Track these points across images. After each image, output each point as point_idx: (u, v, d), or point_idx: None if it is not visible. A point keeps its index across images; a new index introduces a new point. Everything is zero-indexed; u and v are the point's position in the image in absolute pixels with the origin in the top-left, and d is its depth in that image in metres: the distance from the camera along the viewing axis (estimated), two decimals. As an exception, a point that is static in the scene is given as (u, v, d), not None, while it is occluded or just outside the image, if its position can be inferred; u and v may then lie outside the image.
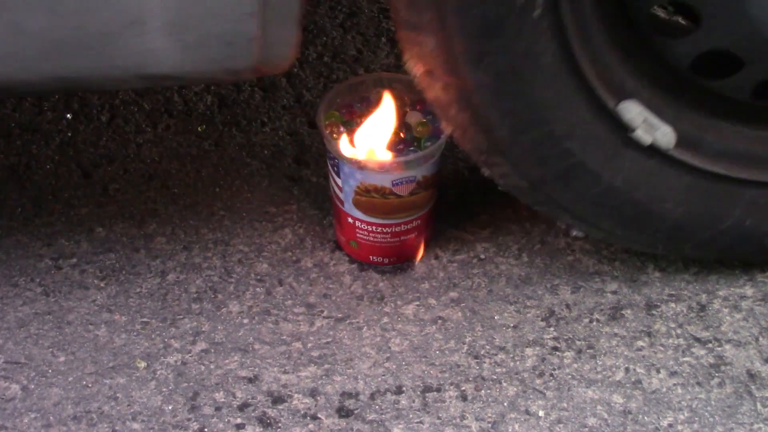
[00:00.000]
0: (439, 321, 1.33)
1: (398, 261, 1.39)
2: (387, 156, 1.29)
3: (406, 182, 1.28)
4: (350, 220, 1.33)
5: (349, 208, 1.32)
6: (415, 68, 1.15)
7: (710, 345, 1.30)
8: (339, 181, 1.30)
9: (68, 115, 1.61)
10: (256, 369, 1.27)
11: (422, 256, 1.40)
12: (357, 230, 1.34)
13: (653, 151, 1.20)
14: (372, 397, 1.24)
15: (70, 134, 1.58)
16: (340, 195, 1.32)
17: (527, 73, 1.10)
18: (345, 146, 1.30)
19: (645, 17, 1.17)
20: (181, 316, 1.33)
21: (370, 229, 1.33)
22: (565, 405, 1.23)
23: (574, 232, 1.39)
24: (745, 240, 1.29)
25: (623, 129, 1.17)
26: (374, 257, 1.37)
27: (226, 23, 1.03)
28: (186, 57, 1.05)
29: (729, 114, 1.24)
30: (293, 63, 1.21)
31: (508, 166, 1.20)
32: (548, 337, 1.31)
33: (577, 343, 1.30)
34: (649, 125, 1.18)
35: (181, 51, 1.04)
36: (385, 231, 1.33)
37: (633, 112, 1.17)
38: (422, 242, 1.39)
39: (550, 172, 1.19)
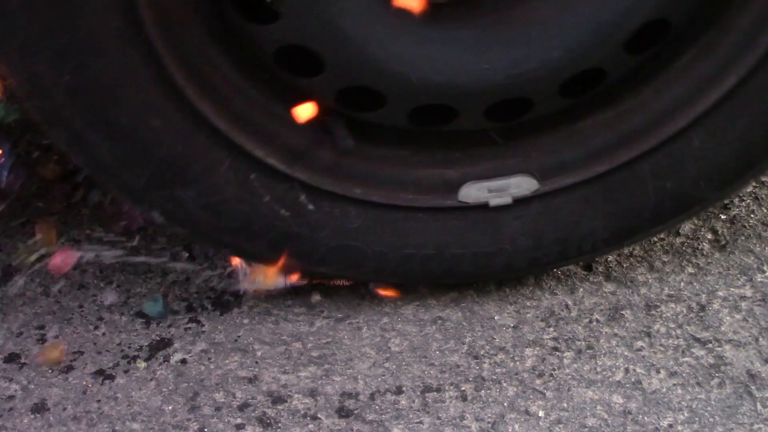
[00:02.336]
0: (439, 321, 1.33)
1: None
2: None
3: None
4: None
5: None
6: None
7: (710, 345, 1.30)
8: None
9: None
10: (256, 369, 1.27)
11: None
12: None
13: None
14: (372, 397, 1.24)
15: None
16: None
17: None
18: None
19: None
20: (181, 316, 1.33)
21: None
22: (564, 405, 1.23)
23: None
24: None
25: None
26: None
27: None
28: None
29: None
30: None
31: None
32: (548, 337, 1.31)
33: (577, 343, 1.30)
34: None
35: None
36: None
37: None
38: None
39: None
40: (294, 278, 1.32)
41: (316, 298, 1.36)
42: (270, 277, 1.31)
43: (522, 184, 1.23)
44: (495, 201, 1.23)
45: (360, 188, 1.22)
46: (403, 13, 1.08)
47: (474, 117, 1.19)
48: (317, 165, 1.20)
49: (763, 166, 1.25)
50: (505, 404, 1.23)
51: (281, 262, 1.26)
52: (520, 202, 1.24)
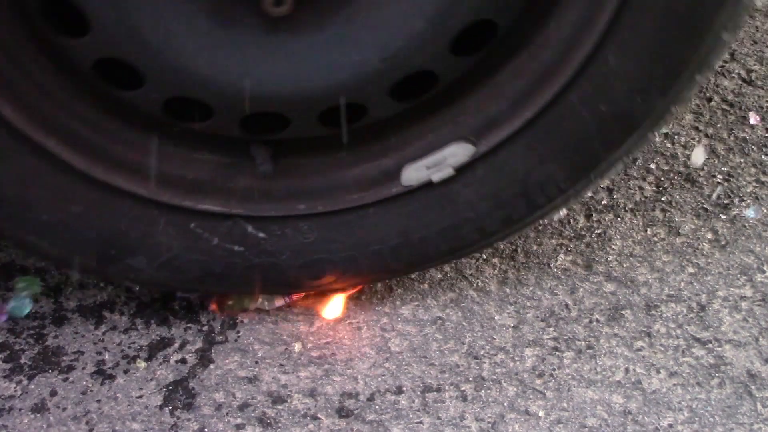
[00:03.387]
0: (439, 321, 1.33)
1: None
2: None
3: None
4: None
5: None
6: None
7: (710, 345, 1.30)
8: None
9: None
10: (256, 369, 1.27)
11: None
12: None
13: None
14: (372, 397, 1.24)
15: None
16: None
17: None
18: None
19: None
20: (181, 316, 1.33)
21: None
22: (564, 405, 1.23)
23: None
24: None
25: None
26: None
27: None
28: None
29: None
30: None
31: None
32: (548, 337, 1.31)
33: (577, 343, 1.30)
34: None
35: None
36: None
37: None
38: None
39: None
40: (296, 296, 1.32)
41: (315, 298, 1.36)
42: (269, 298, 1.32)
43: (458, 152, 1.21)
44: (437, 176, 1.21)
45: (302, 203, 1.22)
46: (219, 24, 1.06)
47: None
48: (250, 194, 1.20)
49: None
50: (505, 404, 1.23)
51: (259, 291, 1.27)
52: (464, 169, 1.22)
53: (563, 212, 1.48)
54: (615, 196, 1.51)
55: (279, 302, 1.33)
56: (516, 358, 1.28)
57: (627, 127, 1.21)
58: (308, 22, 1.07)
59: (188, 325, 1.33)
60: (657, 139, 1.61)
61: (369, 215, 1.24)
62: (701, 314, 1.34)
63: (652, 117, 1.20)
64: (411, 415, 1.22)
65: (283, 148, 1.20)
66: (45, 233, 1.18)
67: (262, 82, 1.11)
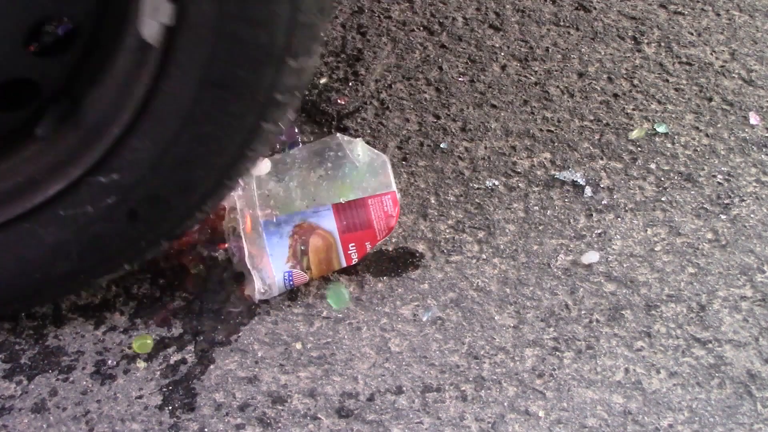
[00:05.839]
0: (438, 321, 1.33)
1: None
2: None
3: None
4: None
5: None
6: None
7: (710, 345, 1.30)
8: None
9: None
10: (256, 369, 1.27)
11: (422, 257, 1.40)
12: None
13: None
14: (371, 397, 1.24)
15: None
16: None
17: None
18: None
19: None
20: (181, 316, 1.33)
21: None
22: (565, 405, 1.23)
23: None
24: None
25: None
26: None
27: None
28: None
29: None
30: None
31: None
32: (548, 337, 1.31)
33: (577, 343, 1.30)
34: None
35: None
36: None
37: None
38: None
39: None
40: (298, 282, 1.32)
41: (315, 298, 1.36)
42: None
43: None
44: None
45: None
46: None
47: None
48: None
49: None
50: (505, 404, 1.23)
51: None
52: None
53: (564, 211, 1.48)
54: (615, 196, 1.51)
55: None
56: (516, 358, 1.28)
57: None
58: None
59: (188, 325, 1.33)
60: (657, 139, 1.61)
61: None
62: (701, 314, 1.34)
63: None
64: (411, 415, 1.22)
65: None
66: None
67: None
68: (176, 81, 1.05)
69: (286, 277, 1.31)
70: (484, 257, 1.41)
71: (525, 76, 1.72)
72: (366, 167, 1.35)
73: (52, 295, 1.31)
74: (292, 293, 1.36)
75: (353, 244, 1.33)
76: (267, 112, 1.09)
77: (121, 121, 1.09)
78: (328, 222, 1.31)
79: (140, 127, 1.08)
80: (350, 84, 1.69)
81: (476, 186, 1.51)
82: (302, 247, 1.31)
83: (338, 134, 1.39)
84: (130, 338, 1.31)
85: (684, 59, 1.77)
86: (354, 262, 1.34)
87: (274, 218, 1.31)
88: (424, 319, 1.33)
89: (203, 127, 1.08)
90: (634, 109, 1.66)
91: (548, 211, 1.48)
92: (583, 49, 1.78)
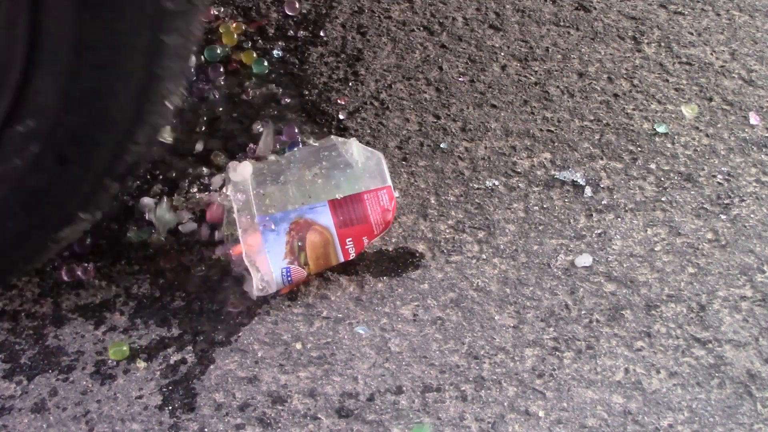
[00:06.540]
0: (438, 321, 1.33)
1: None
2: None
3: None
4: None
5: None
6: None
7: (710, 345, 1.30)
8: None
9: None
10: (256, 369, 1.27)
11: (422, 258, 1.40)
12: None
13: None
14: (371, 397, 1.24)
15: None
16: None
17: None
18: None
19: None
20: (181, 316, 1.33)
21: None
22: (565, 405, 1.23)
23: None
24: None
25: None
26: None
27: None
28: None
29: None
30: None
31: None
32: (548, 337, 1.31)
33: (577, 343, 1.30)
34: None
35: None
36: None
37: None
38: None
39: None
40: (296, 278, 1.32)
41: (314, 298, 1.36)
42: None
43: None
44: None
45: None
46: None
47: None
48: None
49: None
50: (505, 404, 1.23)
51: None
52: None
53: (564, 213, 1.48)
54: (615, 196, 1.51)
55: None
56: (516, 358, 1.28)
57: None
58: None
59: (188, 325, 1.33)
60: (657, 139, 1.61)
61: None
62: (701, 314, 1.34)
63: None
64: (411, 415, 1.22)
65: None
66: None
67: None
68: (54, 9, 1.02)
69: (284, 273, 1.31)
70: (484, 257, 1.41)
71: (525, 76, 1.72)
72: (361, 165, 1.35)
73: (24, 260, 1.27)
74: (292, 293, 1.36)
75: (350, 239, 1.33)
76: (161, 23, 1.05)
77: (16, 65, 1.06)
78: (325, 218, 1.32)
79: (37, 67, 1.06)
80: (350, 84, 1.69)
81: (476, 186, 1.51)
82: (299, 243, 1.31)
83: (332, 136, 1.39)
84: (131, 338, 1.31)
85: (684, 59, 1.77)
86: (351, 257, 1.34)
87: (271, 216, 1.31)
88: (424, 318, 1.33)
89: (99, 52, 1.05)
90: (634, 109, 1.66)
91: (548, 212, 1.48)
92: (583, 49, 1.78)
